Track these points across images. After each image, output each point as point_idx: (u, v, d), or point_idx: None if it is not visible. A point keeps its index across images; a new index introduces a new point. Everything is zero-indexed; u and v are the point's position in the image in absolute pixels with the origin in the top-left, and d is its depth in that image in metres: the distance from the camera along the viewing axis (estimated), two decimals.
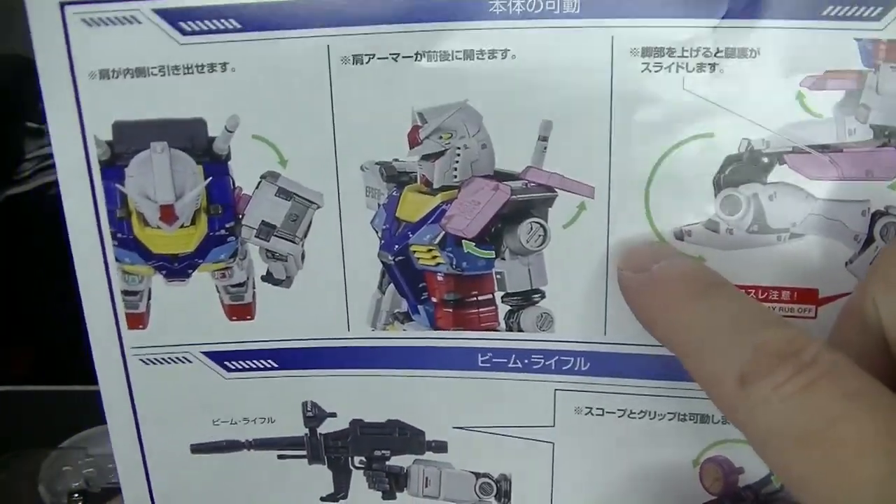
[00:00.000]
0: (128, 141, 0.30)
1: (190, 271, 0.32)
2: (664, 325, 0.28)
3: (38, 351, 0.83)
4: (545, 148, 0.30)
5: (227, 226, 0.31)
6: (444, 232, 0.31)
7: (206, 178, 0.30)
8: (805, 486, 0.22)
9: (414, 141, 0.30)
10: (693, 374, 0.26)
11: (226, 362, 0.33)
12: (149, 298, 0.32)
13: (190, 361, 0.33)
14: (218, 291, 0.32)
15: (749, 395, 0.24)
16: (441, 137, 0.30)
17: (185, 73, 0.29)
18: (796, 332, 0.24)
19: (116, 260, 0.31)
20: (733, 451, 0.32)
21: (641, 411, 0.32)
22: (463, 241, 0.31)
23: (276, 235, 0.31)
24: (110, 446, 0.34)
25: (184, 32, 0.28)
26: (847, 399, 0.22)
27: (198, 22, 0.28)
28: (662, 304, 0.28)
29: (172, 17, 0.28)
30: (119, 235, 0.31)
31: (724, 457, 0.33)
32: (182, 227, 0.31)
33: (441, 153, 0.30)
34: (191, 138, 0.30)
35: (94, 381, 0.33)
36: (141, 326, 0.32)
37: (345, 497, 0.35)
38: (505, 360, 0.32)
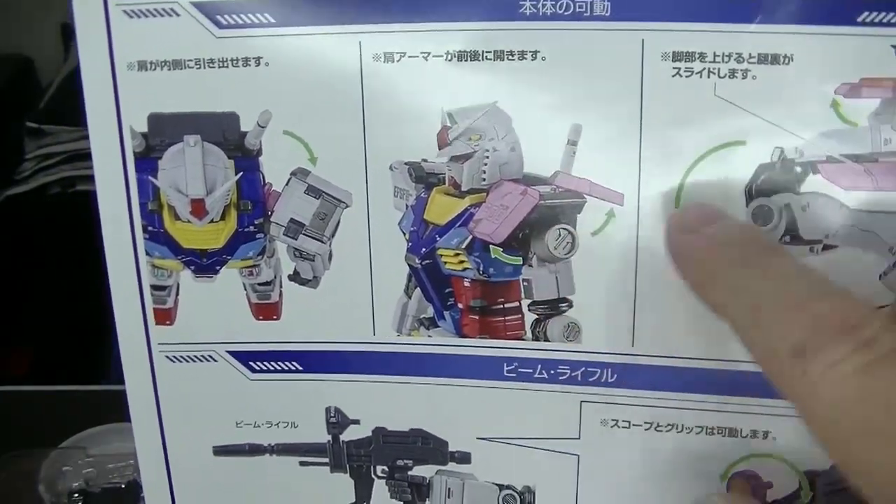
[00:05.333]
0: (162, 133, 0.30)
1: (218, 267, 0.32)
2: (715, 290, 0.26)
3: (38, 351, 0.83)
4: (574, 152, 0.30)
5: (256, 222, 0.31)
6: (471, 236, 0.31)
7: (237, 173, 0.31)
8: (866, 474, 0.21)
9: (443, 141, 0.30)
10: (746, 344, 0.25)
11: (251, 363, 0.33)
12: (177, 294, 0.32)
13: (215, 360, 0.33)
14: (245, 289, 0.32)
15: (804, 370, 0.22)
16: (470, 139, 0.30)
17: (220, 67, 0.29)
18: (856, 304, 0.23)
19: (147, 253, 0.32)
20: (762, 465, 0.32)
21: (669, 424, 0.32)
22: (490, 246, 0.31)
23: (304, 234, 0.31)
24: (110, 446, 0.34)
25: (220, 26, 0.29)
26: None
27: (234, 16, 0.29)
28: (714, 268, 0.26)
29: (210, 10, 0.29)
30: (150, 228, 0.31)
31: (752, 471, 0.32)
32: (212, 221, 0.31)
33: (470, 155, 0.30)
34: (223, 132, 0.30)
35: (94, 381, 0.33)
36: (168, 322, 0.32)
37: None
38: (531, 371, 0.32)
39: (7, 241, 0.75)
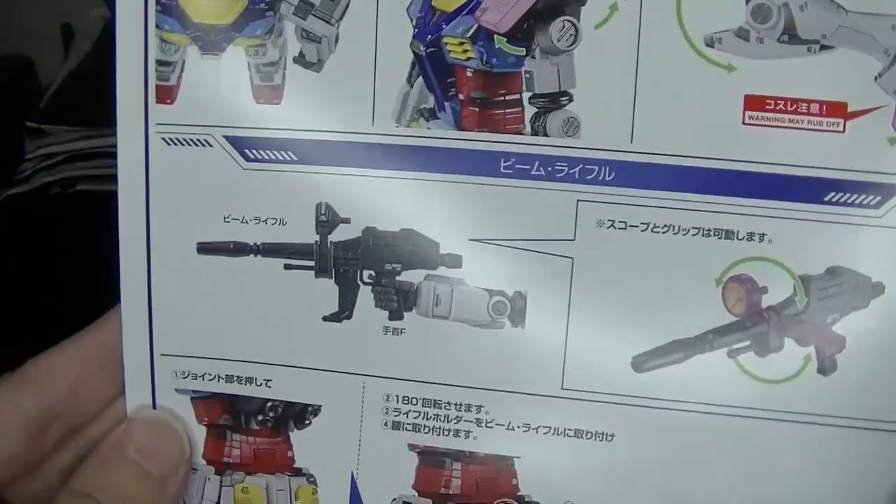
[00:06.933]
0: None
1: (225, 45, 0.33)
2: None
3: (38, 351, 0.81)
4: None
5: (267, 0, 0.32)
6: (477, 25, 0.32)
7: None
8: None
9: None
10: None
11: (246, 150, 0.33)
12: (181, 71, 0.33)
13: (210, 145, 0.33)
14: (249, 70, 0.33)
15: None
16: None
17: None
18: None
19: (157, 26, 0.32)
20: (757, 269, 0.32)
21: (665, 225, 0.32)
22: (495, 36, 0.32)
23: (313, 14, 0.33)
24: None
25: None
26: None
27: None
28: None
29: None
30: (163, 1, 0.32)
31: (747, 276, 0.32)
32: None
33: None
34: None
35: None
36: (169, 101, 0.33)
37: (349, 317, 0.34)
38: (528, 167, 0.32)
39: (7, 241, 0.75)
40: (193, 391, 0.36)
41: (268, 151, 0.34)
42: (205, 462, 0.36)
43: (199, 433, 0.36)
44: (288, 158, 0.34)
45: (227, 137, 0.34)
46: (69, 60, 0.83)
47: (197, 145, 0.34)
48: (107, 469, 0.34)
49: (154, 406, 0.36)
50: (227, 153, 0.34)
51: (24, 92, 0.89)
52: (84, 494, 0.33)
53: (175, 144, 0.34)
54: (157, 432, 0.35)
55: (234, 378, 0.35)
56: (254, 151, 0.34)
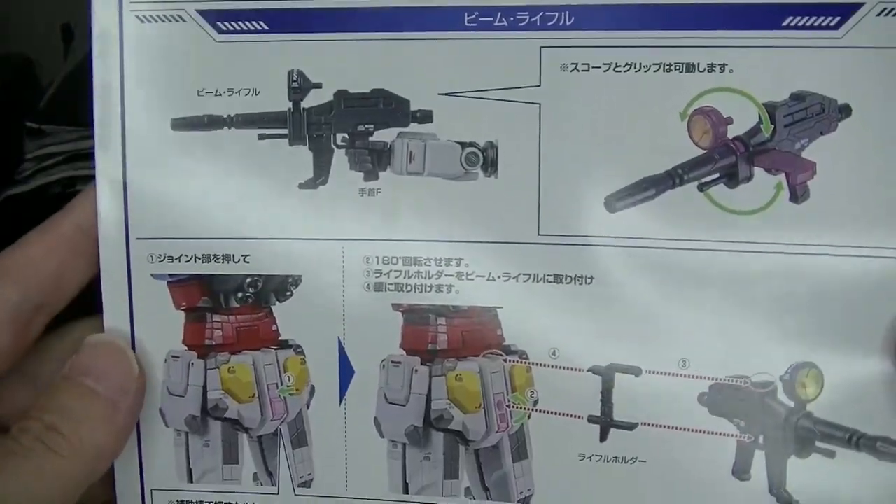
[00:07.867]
0: None
1: None
2: None
3: None
4: None
5: None
6: None
7: None
8: None
9: None
10: None
11: (218, 23, 0.34)
12: None
13: (184, 20, 0.34)
14: None
15: None
16: None
17: None
18: None
19: None
20: (721, 100, 0.33)
21: (627, 63, 0.33)
22: None
23: None
24: None
25: None
26: None
27: None
28: None
29: None
30: None
31: (711, 107, 0.33)
32: None
33: None
34: None
35: None
36: None
37: (324, 182, 0.35)
38: (491, 19, 0.34)
39: (7, 241, 0.75)
40: (170, 275, 0.36)
41: (239, 22, 0.35)
42: (186, 348, 0.37)
43: (178, 319, 0.37)
44: (259, 28, 0.35)
45: (199, 11, 0.35)
46: (69, 60, 0.84)
47: (170, 21, 0.35)
48: (57, 393, 0.34)
49: (130, 294, 0.36)
50: (200, 27, 0.35)
51: (24, 92, 0.89)
52: (31, 417, 0.33)
53: (149, 21, 0.35)
54: (104, 353, 0.36)
55: (211, 257, 0.36)
56: (226, 23, 0.35)
